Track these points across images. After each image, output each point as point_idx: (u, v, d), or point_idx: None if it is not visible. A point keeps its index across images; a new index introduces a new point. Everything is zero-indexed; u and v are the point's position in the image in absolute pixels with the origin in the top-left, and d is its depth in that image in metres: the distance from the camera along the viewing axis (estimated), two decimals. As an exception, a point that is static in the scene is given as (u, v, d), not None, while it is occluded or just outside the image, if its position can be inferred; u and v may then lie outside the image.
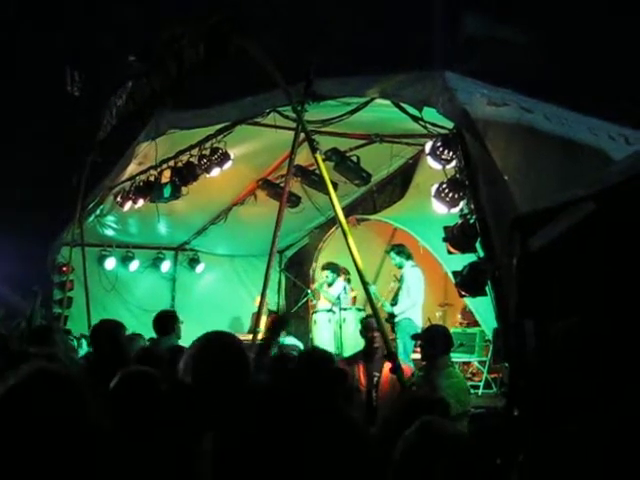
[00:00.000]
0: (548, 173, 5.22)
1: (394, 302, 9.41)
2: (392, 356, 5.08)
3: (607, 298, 3.76)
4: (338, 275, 10.35)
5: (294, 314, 11.26)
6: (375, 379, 6.48)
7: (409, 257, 9.54)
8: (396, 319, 9.22)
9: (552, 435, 2.75)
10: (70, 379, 1.99)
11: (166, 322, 6.70)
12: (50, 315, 10.32)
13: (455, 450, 2.21)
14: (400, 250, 9.59)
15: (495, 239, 4.90)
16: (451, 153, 5.58)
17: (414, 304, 9.25)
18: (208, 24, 7.41)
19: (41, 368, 2.06)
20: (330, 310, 10.07)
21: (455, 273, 5.69)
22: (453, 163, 5.63)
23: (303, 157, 8.04)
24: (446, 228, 5.73)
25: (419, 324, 9.30)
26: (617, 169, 4.38)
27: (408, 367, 6.59)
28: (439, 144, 5.68)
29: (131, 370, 3.38)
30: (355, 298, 10.53)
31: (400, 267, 9.59)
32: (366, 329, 6.76)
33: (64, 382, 1.97)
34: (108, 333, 5.25)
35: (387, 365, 6.44)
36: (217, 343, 3.00)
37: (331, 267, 10.48)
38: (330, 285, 10.41)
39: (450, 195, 5.64)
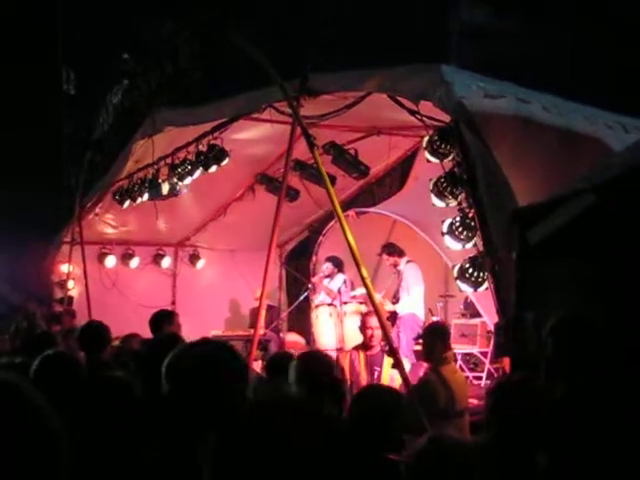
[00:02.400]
0: (547, 165, 5.20)
1: (396, 299, 9.45)
2: (392, 352, 5.08)
3: (606, 291, 3.74)
4: (339, 269, 10.34)
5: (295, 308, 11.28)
6: (376, 374, 6.50)
7: (401, 254, 9.56)
8: (399, 315, 9.27)
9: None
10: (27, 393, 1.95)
11: (160, 321, 6.67)
12: (51, 314, 10.32)
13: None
14: (391, 250, 9.61)
15: (494, 233, 4.89)
16: (448, 146, 5.55)
17: (416, 300, 9.31)
18: (202, 21, 7.39)
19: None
20: (331, 304, 10.05)
21: (454, 267, 5.68)
22: (451, 156, 5.60)
23: (301, 151, 8.00)
24: (445, 222, 5.72)
25: (422, 317, 9.35)
26: (617, 161, 4.36)
27: (421, 365, 6.64)
28: (436, 138, 5.65)
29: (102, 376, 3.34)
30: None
31: (395, 266, 9.62)
32: (364, 326, 6.82)
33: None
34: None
35: (389, 360, 6.46)
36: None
37: (332, 260, 10.47)
38: (328, 277, 10.41)
39: (448, 189, 5.61)
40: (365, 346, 6.76)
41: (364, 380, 6.55)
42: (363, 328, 6.83)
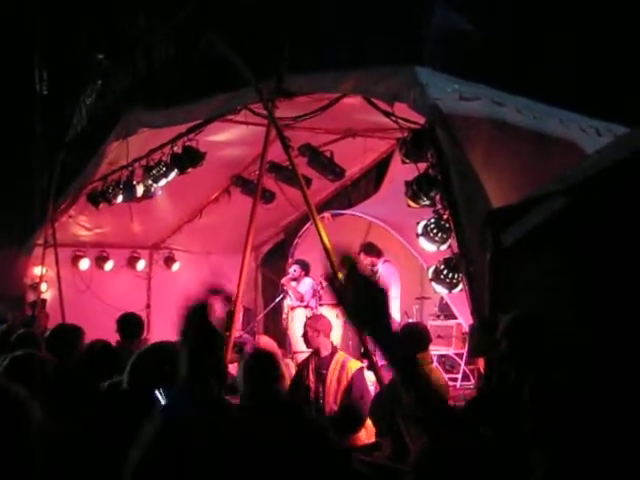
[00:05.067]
0: (521, 167, 5.24)
1: None
2: (367, 354, 5.07)
3: (579, 292, 3.77)
4: (306, 272, 10.34)
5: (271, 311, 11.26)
6: (322, 375, 6.54)
7: (379, 255, 9.59)
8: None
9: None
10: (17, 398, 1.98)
11: (134, 325, 6.63)
12: (23, 318, 10.19)
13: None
14: (368, 250, 9.63)
15: (468, 234, 4.91)
16: (423, 148, 5.57)
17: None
18: (177, 20, 7.35)
19: None
20: (308, 306, 10.04)
21: (429, 268, 5.70)
22: (425, 158, 5.62)
23: (277, 153, 7.98)
24: (419, 223, 5.74)
25: (397, 318, 9.35)
26: (588, 163, 4.39)
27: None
28: (410, 139, 5.67)
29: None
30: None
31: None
32: (304, 330, 6.85)
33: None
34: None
35: (336, 361, 6.49)
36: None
37: (300, 263, 10.48)
38: (295, 280, 10.41)
39: (423, 191, 5.63)
40: (315, 355, 6.79)
41: (312, 383, 6.63)
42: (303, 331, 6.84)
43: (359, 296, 1.93)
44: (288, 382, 6.13)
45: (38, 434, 1.96)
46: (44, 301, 10.46)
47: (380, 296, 1.99)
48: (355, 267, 1.97)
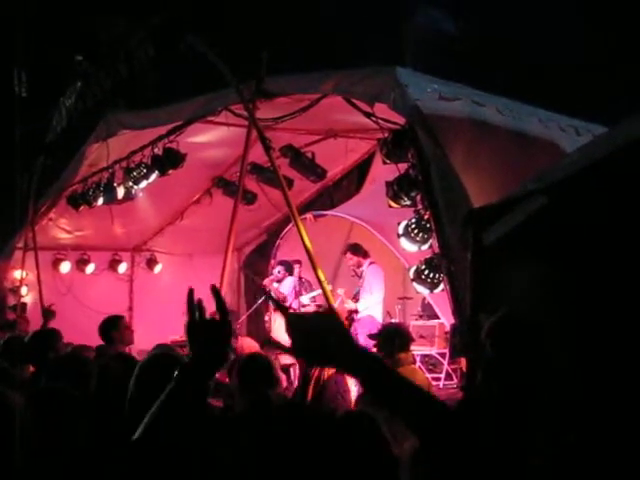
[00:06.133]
0: (501, 167, 5.26)
1: (355, 300, 9.46)
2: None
3: (559, 291, 3.79)
4: (290, 272, 10.34)
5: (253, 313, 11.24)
6: (307, 376, 6.55)
7: (366, 255, 9.58)
8: (358, 315, 9.25)
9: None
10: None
11: (106, 329, 6.50)
12: (4, 322, 10.09)
13: None
14: (355, 250, 9.61)
15: (449, 234, 4.92)
16: (403, 149, 5.58)
17: (376, 301, 9.31)
18: (157, 21, 7.32)
19: None
20: (290, 307, 10.04)
21: (410, 269, 5.71)
22: (406, 158, 5.63)
23: (258, 154, 7.97)
24: (401, 224, 5.74)
25: (380, 319, 9.36)
26: (567, 162, 4.42)
27: None
28: (390, 140, 5.68)
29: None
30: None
31: (358, 267, 9.63)
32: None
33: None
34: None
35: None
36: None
37: (284, 264, 10.48)
38: (279, 282, 10.41)
39: (404, 191, 5.64)
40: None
41: (299, 384, 6.65)
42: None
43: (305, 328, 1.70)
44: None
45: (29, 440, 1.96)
46: (24, 305, 10.36)
47: (331, 321, 1.73)
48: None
